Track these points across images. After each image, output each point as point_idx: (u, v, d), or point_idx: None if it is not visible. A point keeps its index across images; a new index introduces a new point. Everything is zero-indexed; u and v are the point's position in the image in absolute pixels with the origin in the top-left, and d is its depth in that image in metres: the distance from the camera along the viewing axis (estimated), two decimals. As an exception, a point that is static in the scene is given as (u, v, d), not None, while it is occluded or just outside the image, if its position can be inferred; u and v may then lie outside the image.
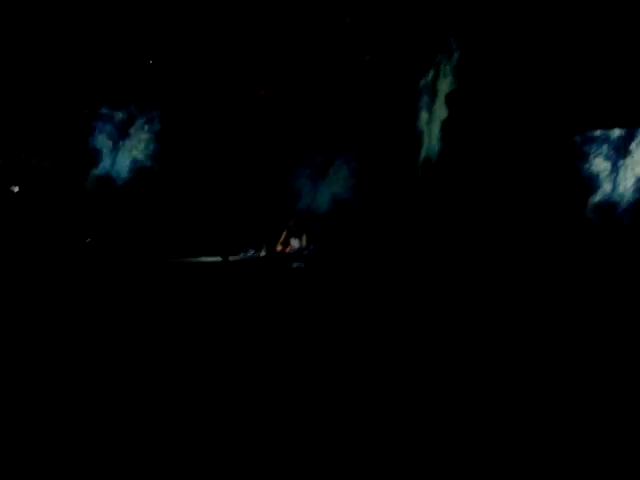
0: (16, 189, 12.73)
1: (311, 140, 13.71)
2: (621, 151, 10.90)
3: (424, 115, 13.13)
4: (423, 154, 13.05)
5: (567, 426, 3.98)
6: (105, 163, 13.28)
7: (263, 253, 11.62)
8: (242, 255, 11.50)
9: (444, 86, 12.55)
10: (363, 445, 3.66)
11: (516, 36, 10.95)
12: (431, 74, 12.88)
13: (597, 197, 11.07)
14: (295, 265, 10.89)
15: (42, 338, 6.14)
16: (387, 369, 5.25)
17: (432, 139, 12.89)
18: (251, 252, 11.60)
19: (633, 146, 10.81)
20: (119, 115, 13.27)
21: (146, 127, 13.40)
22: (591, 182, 11.13)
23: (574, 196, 11.17)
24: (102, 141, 13.24)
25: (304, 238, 11.57)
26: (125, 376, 4.96)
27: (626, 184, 10.86)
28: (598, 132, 11.04)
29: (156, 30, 12.64)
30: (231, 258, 11.44)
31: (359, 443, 3.69)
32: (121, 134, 13.29)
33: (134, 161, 13.42)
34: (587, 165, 11.16)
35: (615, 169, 10.98)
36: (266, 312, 7.82)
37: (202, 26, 12.50)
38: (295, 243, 11.53)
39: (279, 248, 11.45)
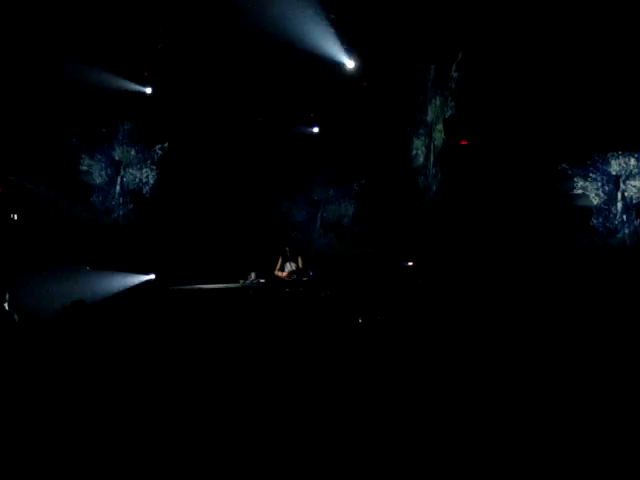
0: (15, 217, 12.74)
1: (307, 169, 13.78)
2: (613, 177, 11.07)
3: (419, 142, 13.19)
4: (420, 181, 13.10)
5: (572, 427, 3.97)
6: (102, 191, 13.28)
7: (262, 280, 11.57)
8: (242, 282, 11.44)
9: (440, 112, 12.63)
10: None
11: (514, 60, 11.03)
12: (428, 100, 12.96)
13: (591, 221, 11.20)
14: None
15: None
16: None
17: (429, 166, 12.94)
18: (251, 279, 11.54)
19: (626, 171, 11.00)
20: (117, 143, 13.29)
21: (145, 156, 13.41)
22: (584, 207, 11.26)
23: (568, 219, 11.27)
24: (99, 169, 13.25)
25: (300, 263, 11.55)
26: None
27: (618, 208, 11.02)
28: (594, 157, 11.18)
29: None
30: (233, 285, 11.41)
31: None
32: (119, 162, 13.31)
33: (132, 189, 13.42)
34: (581, 190, 11.28)
35: (608, 194, 11.13)
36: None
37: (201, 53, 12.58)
38: (291, 268, 11.51)
39: (278, 274, 11.43)
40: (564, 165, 11.35)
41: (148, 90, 12.95)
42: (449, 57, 12.27)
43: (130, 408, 4.55)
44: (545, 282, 10.16)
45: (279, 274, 11.36)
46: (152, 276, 12.82)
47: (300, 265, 11.43)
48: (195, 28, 12.26)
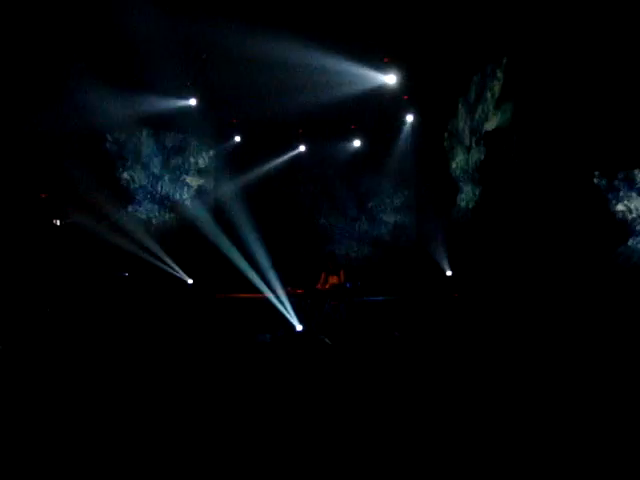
0: (58, 222, 12.87)
1: (347, 184, 13.87)
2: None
3: (459, 155, 13.20)
4: (460, 196, 13.10)
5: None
6: (142, 199, 13.40)
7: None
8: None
9: (481, 125, 12.66)
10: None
11: (557, 73, 11.01)
12: (468, 113, 12.98)
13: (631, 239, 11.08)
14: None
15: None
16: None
17: (468, 181, 12.95)
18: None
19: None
20: (157, 153, 13.42)
21: (186, 166, 13.53)
22: (625, 224, 11.15)
23: (608, 237, 11.12)
24: (139, 178, 13.37)
25: (342, 277, 11.60)
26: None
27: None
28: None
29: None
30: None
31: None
32: (160, 171, 13.44)
33: (172, 198, 13.53)
34: (623, 208, 11.17)
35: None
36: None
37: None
38: (332, 281, 11.56)
39: (321, 286, 11.50)
40: (605, 180, 11.20)
41: (191, 102, 13.06)
42: (490, 70, 12.33)
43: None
44: (584, 300, 10.08)
45: (320, 287, 11.43)
46: (190, 281, 13.02)
47: (342, 279, 11.49)
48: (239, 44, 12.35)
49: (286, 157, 14.03)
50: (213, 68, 12.52)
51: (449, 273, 12.68)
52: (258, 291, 11.79)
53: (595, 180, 11.21)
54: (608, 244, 11.03)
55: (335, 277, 11.59)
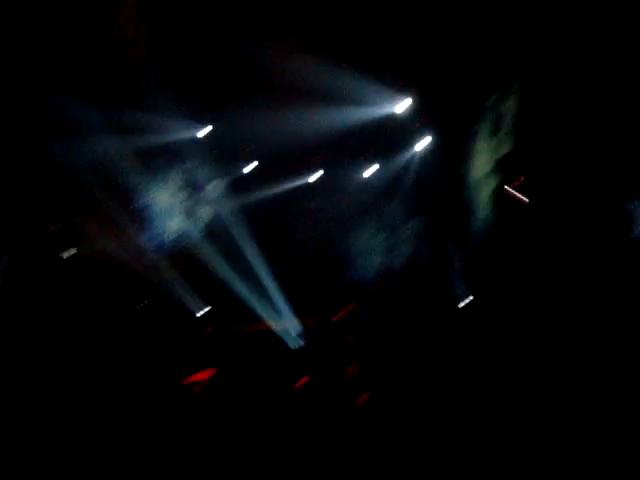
0: (66, 255, 12.85)
1: (362, 211, 13.73)
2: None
3: (473, 180, 13.00)
4: (473, 221, 12.87)
5: None
6: (157, 228, 13.33)
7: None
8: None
9: (494, 152, 12.49)
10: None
11: (576, 96, 10.83)
12: (480, 138, 12.82)
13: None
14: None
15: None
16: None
17: (482, 205, 12.74)
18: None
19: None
20: (172, 181, 13.38)
21: (200, 194, 13.48)
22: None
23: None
24: (154, 206, 13.33)
25: (355, 305, 11.47)
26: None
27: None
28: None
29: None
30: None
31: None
32: (174, 199, 13.39)
33: (183, 229, 13.45)
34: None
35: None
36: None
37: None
38: (346, 310, 11.43)
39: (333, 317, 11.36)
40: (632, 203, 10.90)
41: (203, 131, 13.01)
42: (502, 94, 12.19)
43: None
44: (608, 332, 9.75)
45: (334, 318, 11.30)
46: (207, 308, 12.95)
47: (355, 306, 11.36)
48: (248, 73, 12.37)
49: (300, 184, 13.93)
50: (224, 96, 12.55)
51: (465, 302, 12.44)
52: (268, 321, 11.66)
53: (619, 203, 10.93)
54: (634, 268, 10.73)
55: (349, 305, 11.46)
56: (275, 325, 11.84)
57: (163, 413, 6.58)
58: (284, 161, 13.73)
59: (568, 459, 4.21)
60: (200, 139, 13.19)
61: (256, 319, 12.14)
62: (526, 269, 11.26)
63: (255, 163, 13.88)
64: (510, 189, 11.53)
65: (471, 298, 12.36)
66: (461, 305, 12.47)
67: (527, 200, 11.38)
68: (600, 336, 9.34)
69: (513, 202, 11.62)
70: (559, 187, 11.25)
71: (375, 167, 13.59)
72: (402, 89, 12.50)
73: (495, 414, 6.11)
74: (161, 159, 13.32)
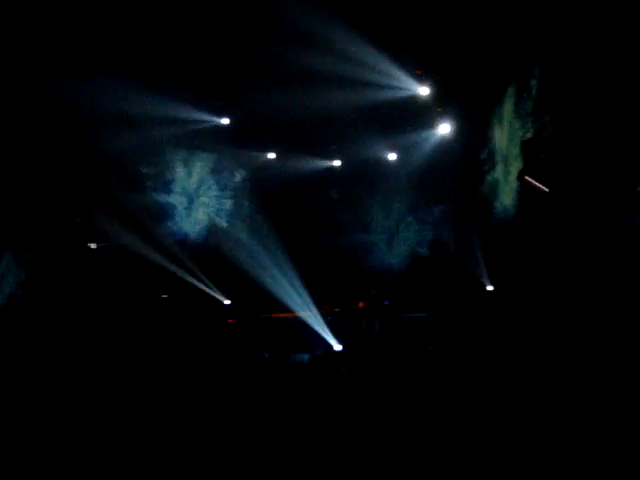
0: (93, 246, 12.99)
1: (383, 198, 13.67)
2: None
3: (498, 168, 12.85)
4: (499, 207, 12.73)
5: None
6: (177, 219, 13.42)
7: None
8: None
9: (518, 135, 12.30)
10: None
11: (598, 75, 10.57)
12: (504, 122, 12.65)
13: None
14: None
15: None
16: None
17: (507, 191, 12.59)
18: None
19: None
20: (192, 172, 13.44)
21: (221, 185, 13.52)
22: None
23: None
24: (174, 198, 13.41)
25: (376, 293, 11.46)
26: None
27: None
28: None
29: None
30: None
31: None
32: (195, 191, 13.45)
33: (208, 219, 13.51)
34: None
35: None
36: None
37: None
38: (367, 299, 11.43)
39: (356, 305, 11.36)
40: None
41: (224, 120, 13.02)
42: (527, 77, 11.99)
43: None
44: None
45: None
46: (227, 301, 13.02)
47: (376, 295, 11.34)
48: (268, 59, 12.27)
49: (320, 172, 13.89)
50: (245, 85, 12.50)
51: (490, 288, 12.33)
52: (292, 311, 11.69)
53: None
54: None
55: (371, 294, 11.45)
56: (299, 313, 11.86)
57: (188, 399, 6.63)
58: (305, 149, 13.73)
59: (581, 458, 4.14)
60: (222, 128, 13.18)
61: (280, 308, 12.18)
62: (547, 257, 11.11)
63: (276, 151, 13.82)
64: (530, 178, 11.32)
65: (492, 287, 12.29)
66: (487, 289, 12.39)
67: (547, 189, 11.16)
68: (623, 325, 9.22)
69: (534, 190, 11.42)
70: (580, 174, 11.02)
71: (396, 154, 13.52)
72: (425, 72, 12.33)
73: (522, 410, 6.07)
74: (184, 149, 13.42)
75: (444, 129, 12.77)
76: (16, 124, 11.50)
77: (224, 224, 13.54)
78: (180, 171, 13.41)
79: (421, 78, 12.25)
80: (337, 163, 13.82)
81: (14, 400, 6.86)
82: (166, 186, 13.38)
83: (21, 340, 10.58)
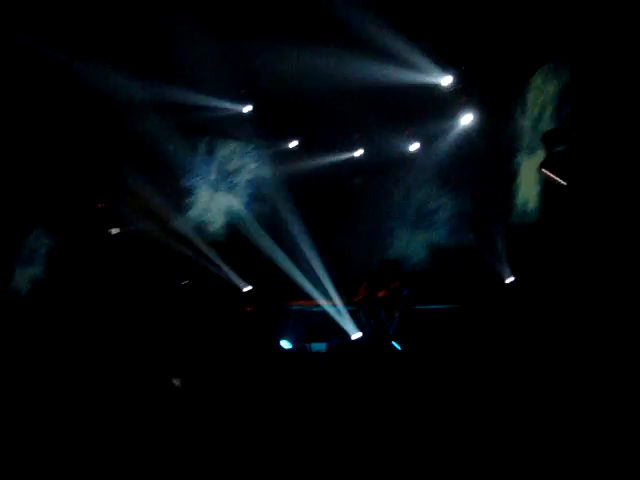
0: (114, 231, 13.12)
1: (404, 189, 13.61)
2: None
3: (520, 158, 12.73)
4: (521, 198, 12.62)
5: None
6: (200, 206, 13.48)
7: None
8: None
9: (540, 126, 12.19)
10: None
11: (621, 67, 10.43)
12: (527, 113, 12.52)
13: None
14: None
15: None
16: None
17: (529, 182, 12.48)
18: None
19: None
20: (215, 160, 13.48)
21: (242, 172, 13.56)
22: None
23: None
24: (196, 185, 13.47)
25: (396, 283, 11.44)
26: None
27: None
28: None
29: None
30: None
31: None
32: (217, 178, 13.50)
33: (229, 206, 13.56)
34: None
35: None
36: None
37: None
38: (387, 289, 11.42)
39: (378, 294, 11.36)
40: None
41: (246, 108, 13.03)
42: (548, 70, 11.87)
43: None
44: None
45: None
46: (246, 288, 13.05)
47: (396, 285, 11.32)
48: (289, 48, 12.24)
49: (341, 161, 13.88)
50: (268, 73, 12.50)
51: (509, 280, 12.25)
52: (311, 299, 11.72)
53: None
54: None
55: (391, 284, 11.42)
56: (320, 302, 11.89)
57: (206, 388, 6.71)
58: (328, 137, 13.73)
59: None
60: (244, 115, 13.21)
61: (299, 295, 12.21)
62: (568, 251, 11.01)
63: (299, 138, 13.83)
64: (548, 171, 11.22)
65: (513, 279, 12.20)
66: (507, 281, 12.31)
67: (565, 182, 11.06)
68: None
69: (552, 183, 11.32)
70: (600, 167, 10.90)
71: (418, 144, 13.46)
72: (448, 62, 12.25)
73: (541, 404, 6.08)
74: (206, 136, 13.46)
75: (467, 119, 12.70)
76: (41, 110, 11.63)
77: (246, 211, 13.57)
78: (202, 158, 13.46)
79: (445, 68, 12.20)
80: (360, 152, 13.79)
81: (38, 381, 7.02)
82: (188, 172, 13.43)
83: (45, 322, 10.76)
